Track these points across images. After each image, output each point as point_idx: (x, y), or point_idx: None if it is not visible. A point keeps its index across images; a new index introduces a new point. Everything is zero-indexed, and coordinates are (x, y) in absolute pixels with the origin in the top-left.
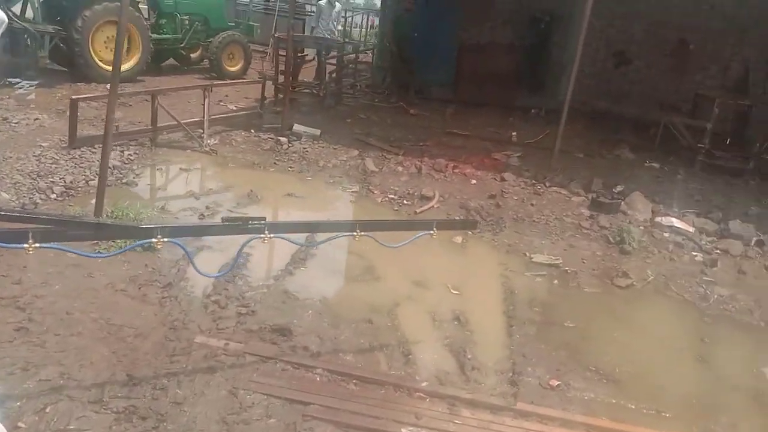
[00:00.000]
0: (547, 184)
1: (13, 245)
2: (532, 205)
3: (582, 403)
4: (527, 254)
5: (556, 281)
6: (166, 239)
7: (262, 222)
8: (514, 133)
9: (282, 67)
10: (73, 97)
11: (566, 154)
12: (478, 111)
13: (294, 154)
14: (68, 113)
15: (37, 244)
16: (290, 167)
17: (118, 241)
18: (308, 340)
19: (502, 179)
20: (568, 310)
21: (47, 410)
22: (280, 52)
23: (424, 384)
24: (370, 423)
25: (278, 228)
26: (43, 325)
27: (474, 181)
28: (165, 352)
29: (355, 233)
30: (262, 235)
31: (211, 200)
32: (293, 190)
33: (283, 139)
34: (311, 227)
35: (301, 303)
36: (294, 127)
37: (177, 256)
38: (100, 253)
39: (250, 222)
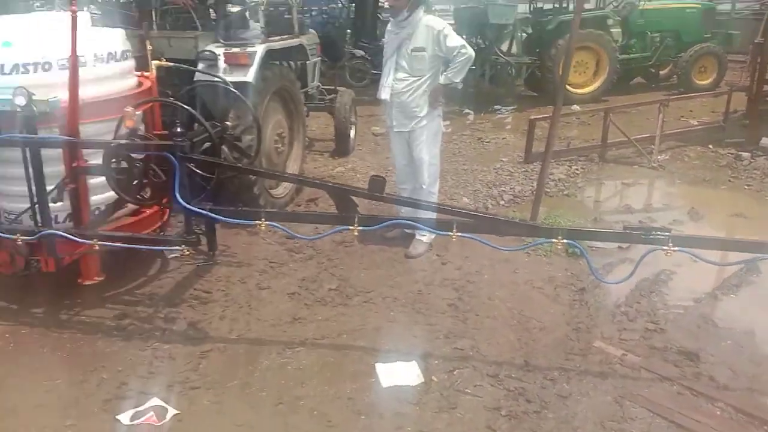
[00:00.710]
0: None
1: (441, 232)
2: None
3: None
4: None
5: None
6: (565, 240)
7: (666, 233)
8: None
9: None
10: (532, 117)
11: None
12: None
13: (755, 172)
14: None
15: (459, 233)
16: (747, 185)
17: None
18: (717, 371)
19: None
20: None
21: (455, 372)
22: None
23: None
24: None
25: (684, 241)
26: (468, 305)
27: None
28: (563, 348)
29: None
30: (665, 248)
31: (646, 215)
32: (744, 210)
33: (744, 155)
34: (726, 244)
35: (719, 331)
36: (761, 141)
37: (596, 264)
38: (511, 247)
39: (652, 232)
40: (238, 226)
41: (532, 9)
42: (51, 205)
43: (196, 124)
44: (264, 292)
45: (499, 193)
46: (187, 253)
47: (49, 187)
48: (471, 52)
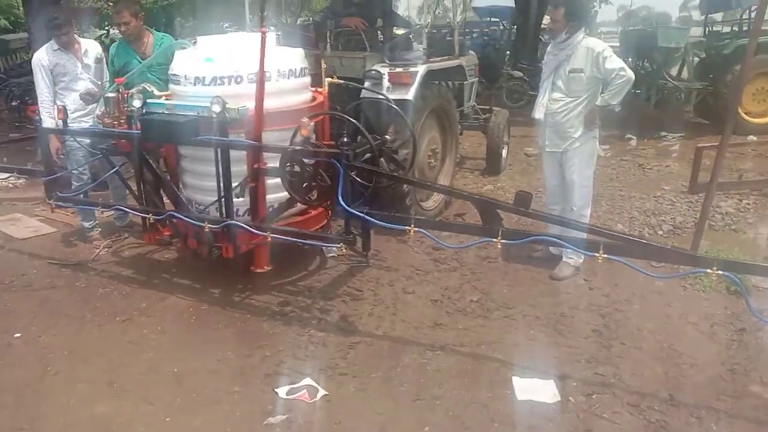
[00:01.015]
0: None
1: (587, 252)
2: None
3: None
4: None
5: None
6: (721, 272)
7: None
8: None
9: None
10: (699, 145)
11: None
12: None
13: None
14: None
15: (606, 255)
16: None
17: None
18: None
19: None
20: None
21: (593, 396)
22: None
23: None
24: None
25: None
26: (614, 333)
27: None
28: (714, 388)
29: None
30: None
31: None
32: None
33: None
34: None
35: None
36: None
37: (762, 305)
38: (658, 274)
39: None
40: (389, 233)
41: (707, 33)
42: (234, 199)
43: (359, 137)
44: (409, 296)
45: (658, 222)
46: (343, 252)
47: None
48: (630, 74)
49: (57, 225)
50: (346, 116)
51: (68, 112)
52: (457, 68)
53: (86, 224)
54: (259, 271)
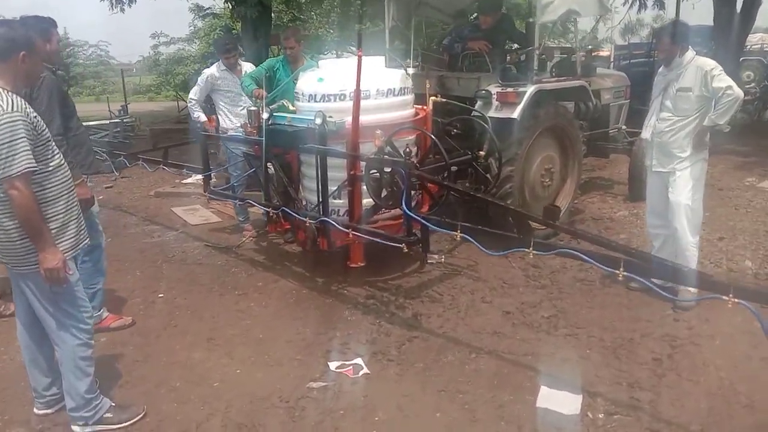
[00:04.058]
0: None
1: (607, 268)
2: None
3: None
4: None
5: None
6: (736, 300)
7: None
8: None
9: None
10: None
11: None
12: None
13: None
14: None
15: (625, 273)
16: None
17: None
18: None
19: None
20: None
21: (614, 416)
22: None
23: None
24: None
25: None
26: (675, 364)
27: None
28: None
29: None
30: None
31: None
32: None
33: None
34: None
35: None
36: None
37: None
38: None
39: None
40: (493, 246)
41: None
42: (334, 201)
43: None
44: (484, 305)
45: None
46: (441, 261)
47: (333, 188)
48: (738, 93)
49: (223, 216)
50: (422, 129)
51: (232, 123)
52: (580, 89)
53: (240, 218)
54: (353, 266)
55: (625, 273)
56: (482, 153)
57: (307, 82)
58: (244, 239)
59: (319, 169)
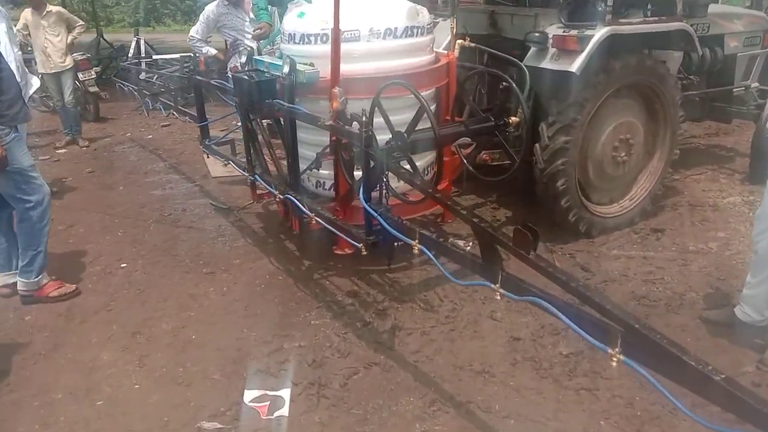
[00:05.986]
0: None
1: (600, 344)
2: None
3: None
4: None
5: None
6: None
7: None
8: None
9: None
10: None
11: None
12: None
13: None
14: None
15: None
16: None
17: None
18: None
19: None
20: None
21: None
22: None
23: None
24: None
25: None
26: None
27: None
28: None
29: None
30: None
31: None
32: None
33: None
34: None
35: None
36: None
37: None
38: None
39: None
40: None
41: None
42: (322, 171)
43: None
44: (490, 324)
45: None
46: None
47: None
48: None
49: None
50: (410, 87)
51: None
52: (680, 33)
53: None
54: (338, 252)
55: (622, 357)
56: (514, 119)
57: (289, 18)
58: (249, 203)
59: (288, 132)
